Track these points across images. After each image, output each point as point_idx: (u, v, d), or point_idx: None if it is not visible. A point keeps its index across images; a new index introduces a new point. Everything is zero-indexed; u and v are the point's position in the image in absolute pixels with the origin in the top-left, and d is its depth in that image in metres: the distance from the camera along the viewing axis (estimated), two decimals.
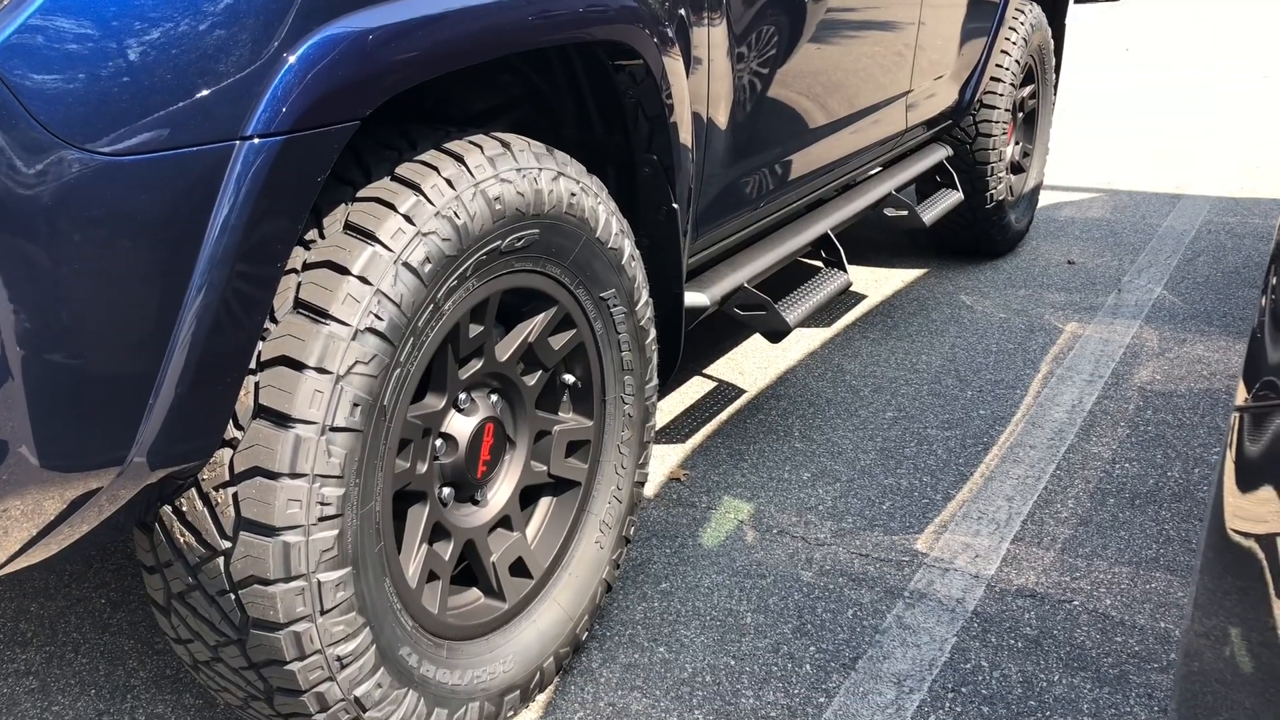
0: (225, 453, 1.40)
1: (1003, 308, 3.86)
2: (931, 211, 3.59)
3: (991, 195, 4.07)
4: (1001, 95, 3.98)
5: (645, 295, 2.01)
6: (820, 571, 2.32)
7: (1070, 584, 2.27)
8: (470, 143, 1.62)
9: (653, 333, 2.06)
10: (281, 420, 1.39)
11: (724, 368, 3.36)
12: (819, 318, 3.76)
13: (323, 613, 1.46)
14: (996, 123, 3.99)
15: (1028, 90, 4.41)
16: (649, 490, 2.63)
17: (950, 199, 3.75)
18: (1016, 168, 4.44)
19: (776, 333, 2.66)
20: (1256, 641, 0.99)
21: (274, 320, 1.42)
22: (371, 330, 1.43)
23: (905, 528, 2.48)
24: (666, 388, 3.19)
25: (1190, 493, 2.62)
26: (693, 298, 2.42)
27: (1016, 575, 2.30)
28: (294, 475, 1.39)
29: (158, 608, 1.56)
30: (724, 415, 3.04)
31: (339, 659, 1.49)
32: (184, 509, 1.44)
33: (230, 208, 1.24)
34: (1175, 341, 3.54)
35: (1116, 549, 2.39)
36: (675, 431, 2.95)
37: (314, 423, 1.40)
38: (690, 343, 3.61)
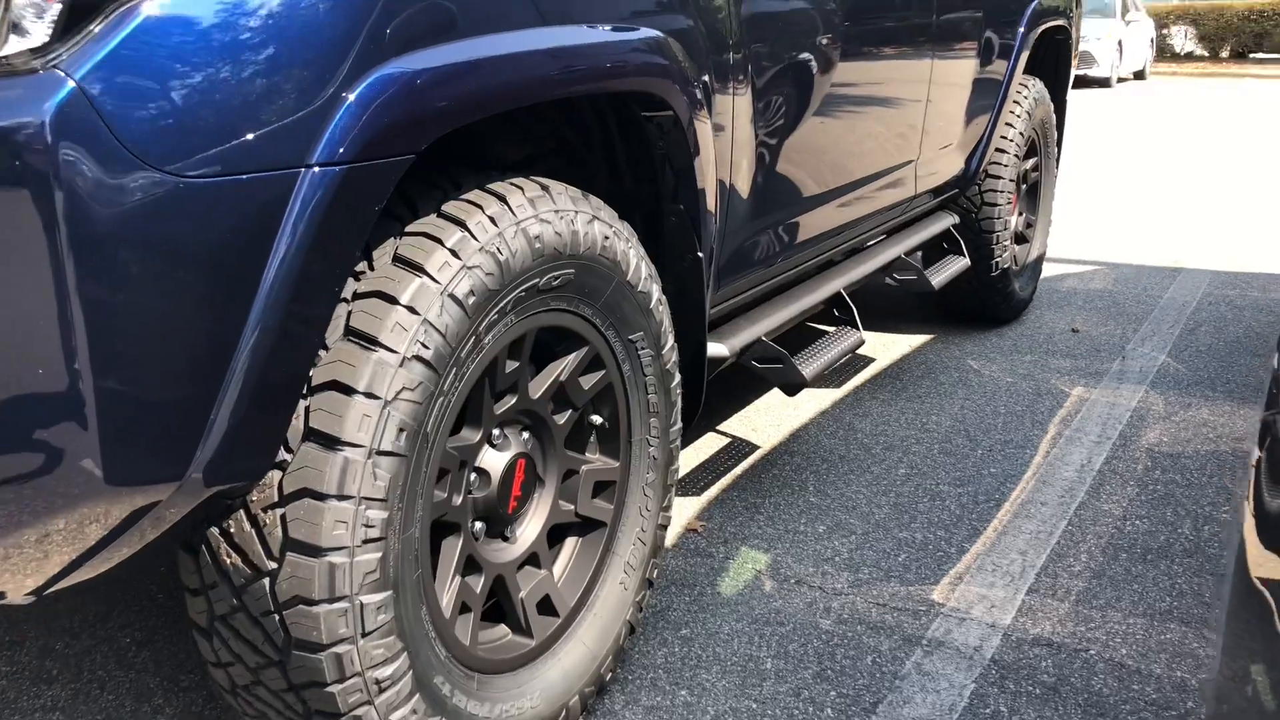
0: (275, 474, 1.45)
1: (1009, 372, 3.91)
2: (940, 276, 3.67)
3: (997, 263, 4.16)
4: (1006, 166, 4.09)
5: (671, 340, 2.07)
6: (839, 620, 2.34)
7: (1086, 634, 2.29)
8: (512, 184, 1.69)
9: (678, 376, 2.11)
10: (331, 443, 1.43)
11: (737, 425, 3.40)
12: (830, 378, 3.82)
13: (364, 635, 1.49)
14: (1001, 192, 4.09)
15: (1031, 162, 4.52)
16: (667, 540, 2.66)
17: (958, 264, 3.83)
18: (1020, 238, 4.54)
19: (793, 385, 2.71)
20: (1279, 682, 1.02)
21: (325, 347, 1.47)
22: (418, 358, 1.49)
23: (921, 579, 2.50)
24: (682, 443, 3.22)
25: (1201, 549, 2.65)
26: (713, 348, 2.47)
27: (1033, 625, 2.32)
28: (341, 497, 1.43)
29: (199, 630, 1.58)
30: (739, 470, 3.08)
31: (378, 682, 1.52)
32: (231, 530, 1.47)
33: (293, 232, 1.30)
34: (1181, 406, 3.59)
35: (1130, 601, 2.42)
36: (690, 485, 2.98)
37: (362, 446, 1.44)
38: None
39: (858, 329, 3.03)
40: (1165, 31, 22.79)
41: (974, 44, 3.66)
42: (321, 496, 1.43)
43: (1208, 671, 1.15)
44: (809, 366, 2.74)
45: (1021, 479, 3.03)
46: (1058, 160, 4.84)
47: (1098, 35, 17.45)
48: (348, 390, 1.44)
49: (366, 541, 1.46)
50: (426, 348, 1.50)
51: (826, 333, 2.99)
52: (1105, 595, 2.44)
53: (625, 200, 2.14)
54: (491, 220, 1.61)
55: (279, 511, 1.44)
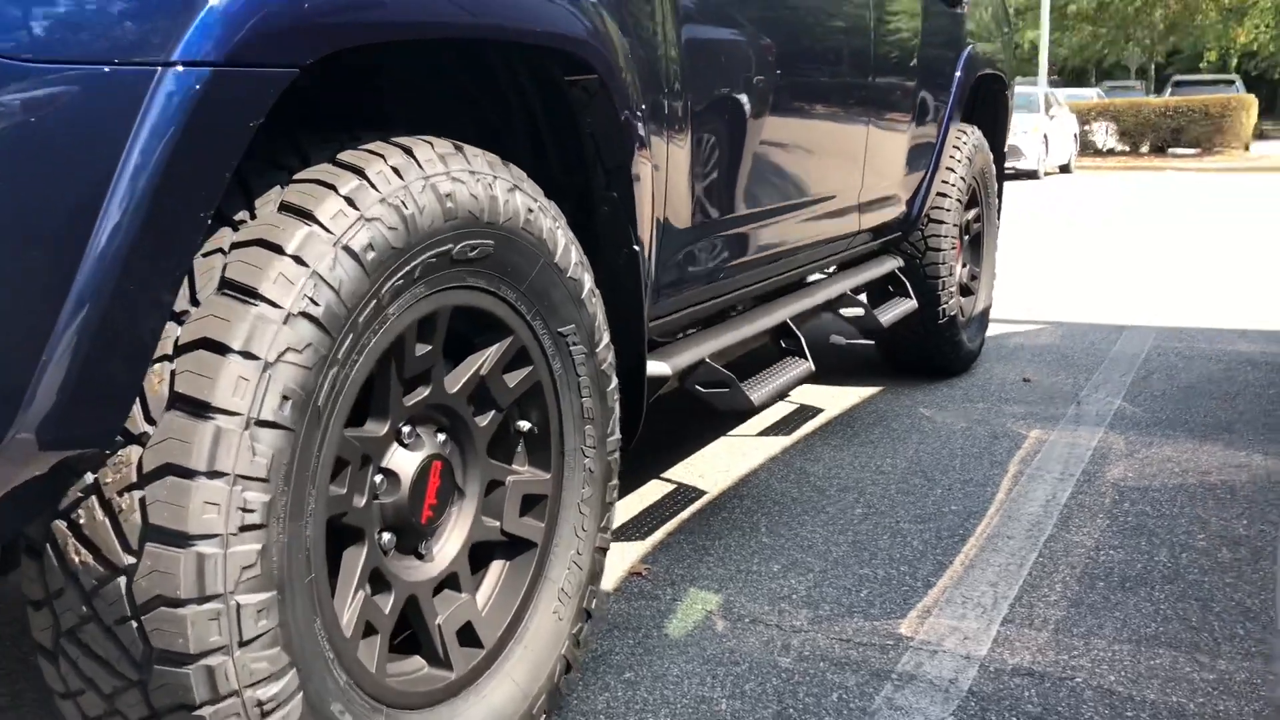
0: (134, 451, 1.22)
1: (964, 418, 3.76)
2: (888, 314, 3.53)
3: (944, 310, 4.04)
4: (948, 211, 4.00)
5: (606, 338, 1.87)
6: (799, 657, 2.11)
7: (1070, 662, 2.08)
8: (420, 140, 1.50)
9: (615, 380, 1.91)
10: (200, 410, 1.21)
11: (683, 472, 3.19)
12: (779, 427, 3.63)
13: (241, 644, 1.24)
14: (945, 237, 3.99)
15: (973, 213, 4.45)
16: (607, 584, 2.42)
17: (905, 305, 3.71)
18: (965, 290, 4.44)
19: (740, 412, 2.52)
20: None
21: (195, 303, 1.26)
22: (306, 315, 1.28)
23: (886, 614, 2.29)
24: (624, 489, 3.00)
25: (1181, 575, 2.47)
26: (655, 366, 2.29)
27: (1011, 655, 2.11)
28: (212, 474, 1.20)
29: (44, 654, 1.32)
30: (685, 514, 2.86)
31: (259, 705, 1.27)
32: (81, 521, 1.23)
33: (147, 145, 1.09)
34: (1142, 444, 3.45)
35: (1114, 628, 2.22)
36: (634, 530, 2.76)
37: (238, 414, 1.22)
38: (647, 447, 3.45)
39: (806, 359, 2.86)
40: (1087, 128, 23.50)
41: (911, 85, 3.59)
42: (188, 474, 1.20)
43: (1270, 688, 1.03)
44: (757, 392, 2.56)
45: (985, 515, 2.84)
46: (999, 213, 4.78)
47: (1024, 129, 17.87)
48: (221, 349, 1.22)
49: (244, 529, 1.23)
50: (316, 304, 1.29)
51: (774, 362, 2.81)
52: (1086, 623, 2.24)
53: (555, 193, 1.97)
54: (395, 171, 1.42)
55: (137, 494, 1.21)
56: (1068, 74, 40.24)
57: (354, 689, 1.44)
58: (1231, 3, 33.70)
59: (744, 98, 2.45)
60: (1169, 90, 29.46)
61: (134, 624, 1.22)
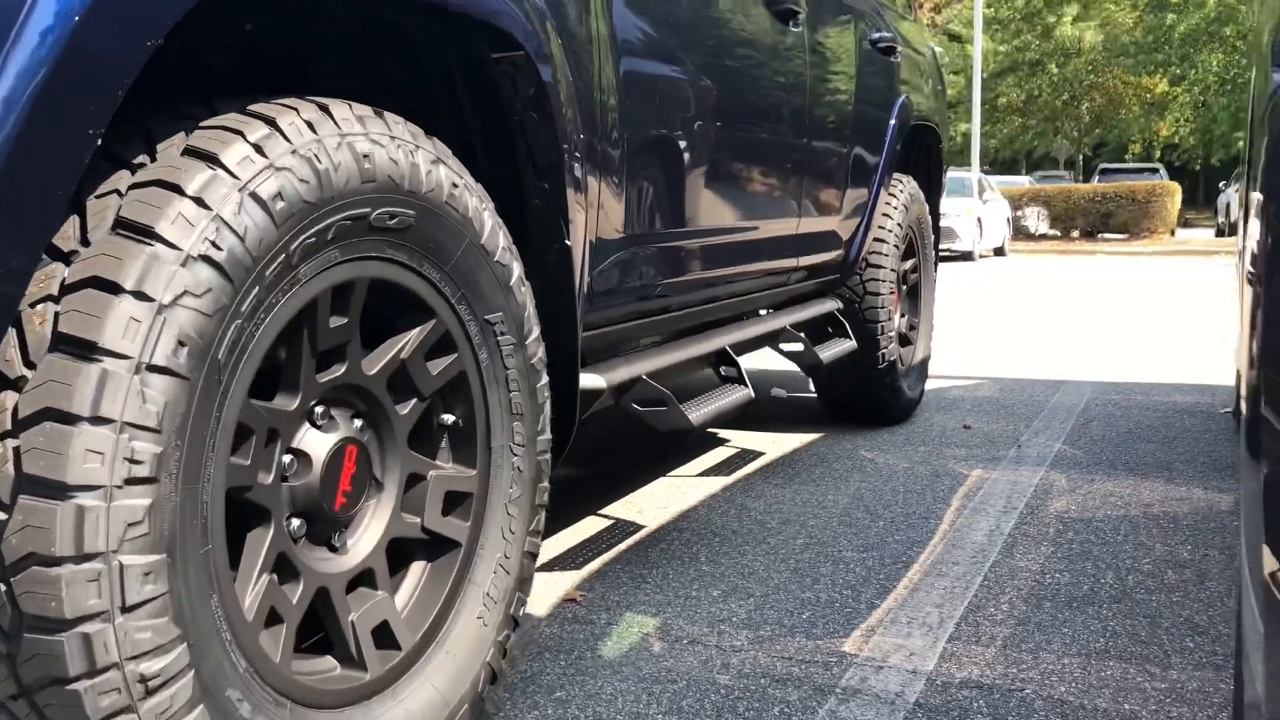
0: (8, 397, 1.12)
1: (905, 459, 3.72)
2: (828, 351, 3.50)
3: (883, 355, 4.02)
4: (886, 256, 4.01)
5: (536, 330, 1.80)
6: (739, 675, 2.01)
7: (1019, 675, 2.01)
8: (339, 101, 1.44)
9: (545, 377, 1.84)
10: (85, 350, 1.12)
11: (621, 508, 3.10)
12: (719, 467, 3.56)
13: (124, 610, 1.13)
14: (883, 281, 3.99)
15: (910, 263, 4.47)
16: (539, 610, 2.32)
17: (845, 345, 3.68)
18: (904, 339, 4.44)
19: (679, 431, 2.45)
20: None
21: (86, 244, 1.17)
22: (206, 259, 1.20)
23: (830, 633, 2.20)
24: (559, 524, 2.91)
25: (1129, 595, 2.41)
26: (589, 379, 2.21)
27: (958, 670, 2.03)
28: (96, 420, 1.11)
29: None
30: (623, 546, 2.76)
31: (143, 680, 1.15)
32: None
33: (30, 48, 1.02)
34: (1084, 481, 3.42)
35: (1062, 643, 2.15)
36: (569, 560, 2.65)
37: (127, 357, 1.13)
38: (584, 485, 3.36)
39: (746, 386, 2.80)
40: (1020, 213, 24.09)
41: (847, 127, 3.61)
42: (70, 419, 1.10)
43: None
44: (695, 412, 2.49)
45: (929, 544, 2.78)
46: (935, 265, 4.82)
47: (958, 212, 18.28)
48: (112, 288, 1.14)
49: (131, 481, 1.13)
50: (218, 248, 1.21)
51: (712, 387, 2.75)
52: (1034, 639, 2.17)
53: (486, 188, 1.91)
54: (309, 125, 1.36)
55: (11, 442, 1.11)
56: (999, 164, 41.43)
57: (254, 677, 1.32)
58: (1154, 97, 35.09)
59: (682, 101, 2.42)
60: (1096, 178, 30.37)
61: (2, 586, 1.11)
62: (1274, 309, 1.01)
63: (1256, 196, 1.11)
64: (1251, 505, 1.04)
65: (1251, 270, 1.10)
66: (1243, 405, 1.12)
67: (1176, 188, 25.19)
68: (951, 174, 19.87)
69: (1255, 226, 1.09)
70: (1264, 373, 1.01)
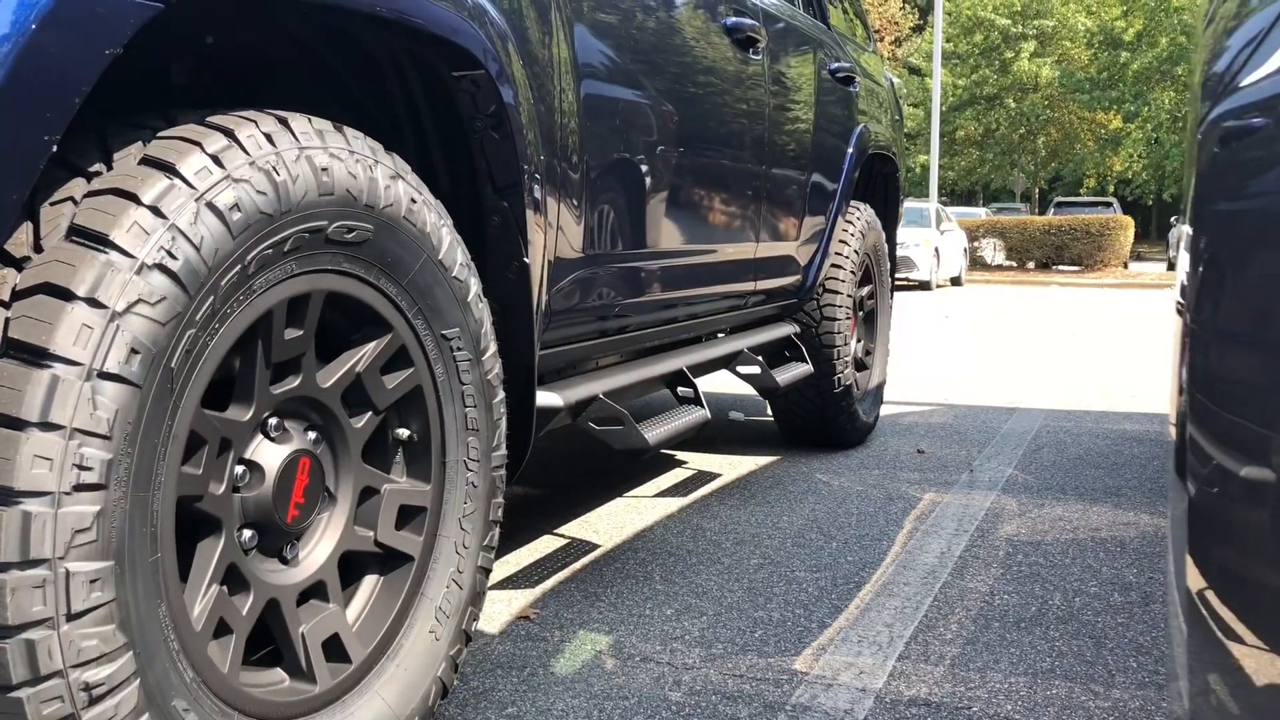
0: None
1: (859, 482, 3.75)
2: (785, 374, 3.53)
3: (839, 379, 4.06)
4: (843, 281, 4.06)
5: (493, 347, 1.81)
6: (690, 692, 2.02)
7: (966, 693, 2.03)
8: (298, 114, 1.45)
9: (501, 393, 1.85)
10: (36, 357, 1.12)
11: (576, 528, 3.10)
12: (675, 489, 3.57)
13: (70, 617, 1.13)
14: (840, 306, 4.04)
15: (866, 290, 4.53)
16: (491, 628, 2.31)
17: (802, 368, 3.72)
18: (860, 364, 4.49)
19: (634, 450, 2.46)
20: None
21: (39, 250, 1.17)
22: (161, 268, 1.20)
23: (781, 651, 2.22)
24: (514, 542, 2.91)
25: (1076, 616, 2.45)
26: (546, 397, 2.23)
27: (907, 688, 2.05)
28: (45, 426, 1.11)
29: None
30: (578, 565, 2.77)
31: (87, 688, 1.14)
32: None
33: None
34: (1034, 505, 3.47)
35: (1009, 663, 2.18)
36: (523, 579, 2.65)
37: (78, 364, 1.13)
38: (541, 505, 3.37)
39: (703, 407, 2.83)
40: (976, 244, 24.42)
41: (805, 153, 3.66)
42: (19, 424, 1.10)
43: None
44: (652, 431, 2.51)
45: (881, 565, 2.81)
46: (891, 292, 4.87)
47: (916, 242, 18.50)
48: (64, 295, 1.14)
49: (79, 488, 1.13)
50: (174, 258, 1.21)
51: (669, 408, 2.77)
52: (982, 659, 2.20)
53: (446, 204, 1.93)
54: (268, 137, 1.37)
55: None
56: (957, 196, 42.00)
57: (201, 688, 1.32)
58: (1108, 133, 35.77)
59: (642, 125, 2.45)
60: (1051, 211, 30.85)
61: None
62: (1198, 336, 1.04)
63: (1186, 229, 1.15)
64: (1178, 524, 1.07)
65: (1180, 300, 1.14)
66: (1171, 430, 1.16)
67: (1129, 221, 25.62)
68: (910, 204, 20.13)
69: (1184, 258, 1.13)
70: (1189, 398, 1.04)
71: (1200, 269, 1.05)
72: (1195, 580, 0.99)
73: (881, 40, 42.40)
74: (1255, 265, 0.94)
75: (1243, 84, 1.03)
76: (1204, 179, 1.10)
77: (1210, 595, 0.98)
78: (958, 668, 2.15)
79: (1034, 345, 9.03)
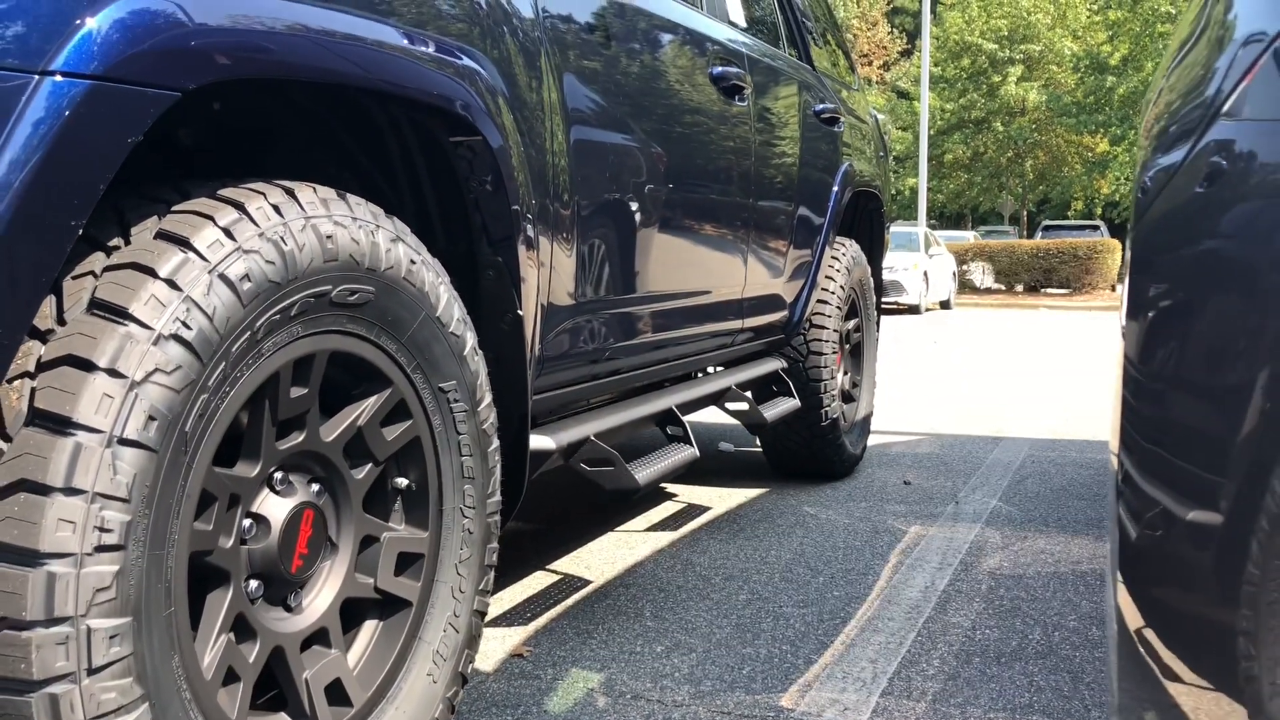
0: None
1: (846, 515, 3.82)
2: (772, 410, 3.61)
3: (826, 412, 4.14)
4: (829, 316, 4.14)
5: (489, 397, 1.89)
6: None
7: None
8: (304, 184, 1.53)
9: (496, 441, 1.92)
10: (60, 425, 1.19)
11: (569, 564, 3.16)
12: (665, 523, 3.64)
13: (91, 672, 1.19)
14: (827, 341, 4.12)
15: (853, 323, 4.61)
16: (486, 666, 2.37)
17: (789, 403, 3.79)
18: (847, 396, 4.56)
19: (624, 491, 2.53)
20: None
21: (62, 323, 1.24)
22: (177, 338, 1.27)
23: (768, 688, 2.28)
24: (508, 579, 2.97)
25: (1054, 651, 2.52)
26: (539, 440, 2.30)
27: None
28: (69, 491, 1.17)
29: None
30: (569, 602, 2.83)
31: None
32: None
33: (21, 146, 1.10)
34: (1017, 538, 3.55)
35: (989, 698, 2.25)
36: (517, 616, 2.71)
37: (100, 431, 1.20)
38: (534, 541, 3.43)
39: (692, 445, 2.90)
40: (965, 267, 24.62)
41: (791, 193, 3.75)
42: (44, 490, 1.17)
43: None
44: (642, 471, 2.58)
45: (866, 600, 2.88)
46: (877, 325, 4.96)
47: (905, 266, 18.65)
48: (86, 366, 1.21)
49: (101, 549, 1.19)
50: (188, 328, 1.29)
51: (659, 446, 2.84)
52: (963, 694, 2.27)
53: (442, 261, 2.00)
54: (275, 209, 1.44)
55: None
56: (945, 219, 42.26)
57: None
58: (1095, 156, 36.06)
59: (630, 178, 2.53)
60: (1040, 234, 31.10)
61: None
62: (1129, 375, 1.13)
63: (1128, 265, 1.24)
64: (1112, 558, 1.15)
65: (1122, 328, 1.23)
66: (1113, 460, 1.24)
67: (1117, 245, 25.83)
68: (898, 228, 20.31)
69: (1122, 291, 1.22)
70: (1125, 425, 1.13)
71: (1133, 306, 1.14)
72: (1125, 600, 1.06)
73: (870, 65, 42.70)
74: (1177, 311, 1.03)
75: (1181, 138, 1.11)
76: (1141, 221, 1.19)
77: (1148, 633, 1.05)
78: (939, 704, 2.22)
79: (1021, 370, 9.12)
